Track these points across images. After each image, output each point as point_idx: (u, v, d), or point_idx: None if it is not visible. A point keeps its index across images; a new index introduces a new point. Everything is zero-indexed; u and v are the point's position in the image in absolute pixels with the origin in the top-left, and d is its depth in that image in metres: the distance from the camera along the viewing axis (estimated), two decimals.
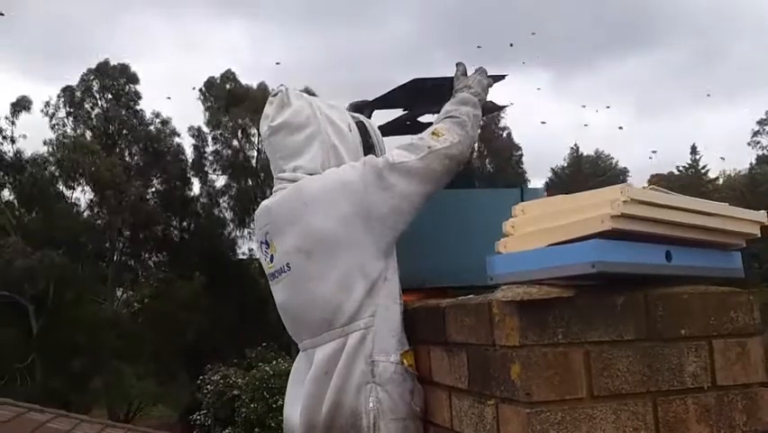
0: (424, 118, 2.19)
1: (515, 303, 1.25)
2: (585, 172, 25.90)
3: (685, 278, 1.39)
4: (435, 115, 1.85)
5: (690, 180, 28.09)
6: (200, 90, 28.22)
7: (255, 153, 29.37)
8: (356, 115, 1.93)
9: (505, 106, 2.32)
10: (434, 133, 1.73)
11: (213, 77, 28.12)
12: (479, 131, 1.89)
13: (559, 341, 1.26)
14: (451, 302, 1.55)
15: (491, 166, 25.54)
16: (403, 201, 1.67)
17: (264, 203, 1.82)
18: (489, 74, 1.89)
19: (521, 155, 25.72)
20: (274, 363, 19.55)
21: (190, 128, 28.62)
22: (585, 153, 27.07)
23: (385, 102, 2.16)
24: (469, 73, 1.88)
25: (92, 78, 26.17)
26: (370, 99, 2.18)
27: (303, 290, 1.71)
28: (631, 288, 1.33)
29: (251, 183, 30.35)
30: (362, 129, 1.85)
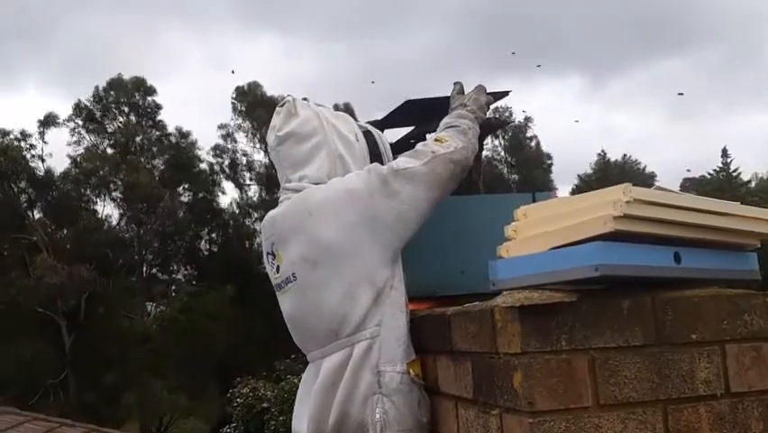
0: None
1: (516, 309, 1.21)
2: (612, 178, 25.55)
3: (697, 280, 1.34)
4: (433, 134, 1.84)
5: (721, 184, 27.63)
6: (233, 100, 28.50)
7: None
8: (363, 124, 1.93)
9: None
10: (437, 140, 1.72)
11: (241, 86, 28.37)
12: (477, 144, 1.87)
13: (562, 348, 1.21)
14: (456, 310, 1.51)
15: (520, 176, 25.38)
16: (409, 207, 1.65)
17: (270, 214, 1.81)
18: (489, 91, 1.89)
19: (551, 164, 25.61)
20: (302, 375, 19.55)
21: (222, 133, 28.85)
22: (613, 159, 26.79)
23: (383, 125, 2.17)
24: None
25: (110, 91, 26.56)
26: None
27: (309, 300, 1.69)
28: (638, 291, 1.28)
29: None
30: (370, 138, 1.84)
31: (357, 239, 1.64)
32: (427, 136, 1.87)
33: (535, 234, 1.31)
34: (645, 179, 26.71)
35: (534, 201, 1.97)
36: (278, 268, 1.76)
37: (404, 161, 1.69)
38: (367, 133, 1.85)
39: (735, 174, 28.78)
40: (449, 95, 1.99)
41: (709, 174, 29.57)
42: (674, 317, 1.27)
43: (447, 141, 1.70)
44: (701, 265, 1.34)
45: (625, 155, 27.75)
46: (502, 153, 25.46)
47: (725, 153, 29.56)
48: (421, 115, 2.11)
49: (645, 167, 28.01)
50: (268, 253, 1.80)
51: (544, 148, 25.65)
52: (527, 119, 25.74)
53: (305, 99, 1.86)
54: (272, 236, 1.77)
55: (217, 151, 28.88)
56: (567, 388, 1.20)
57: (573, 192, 25.91)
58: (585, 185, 26.33)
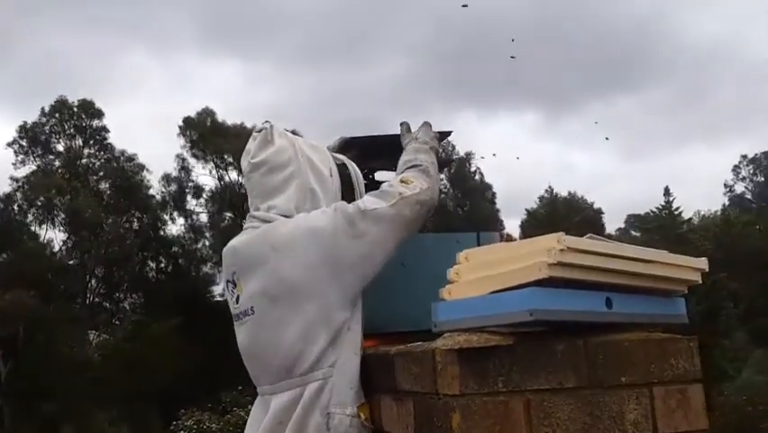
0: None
1: (454, 351, 1.25)
2: (560, 213, 26.12)
3: (628, 325, 1.41)
4: (384, 172, 1.87)
5: (664, 221, 28.41)
6: (180, 126, 28.29)
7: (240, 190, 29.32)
8: (339, 156, 1.92)
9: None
10: (402, 181, 1.73)
11: (193, 114, 28.21)
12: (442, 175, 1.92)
13: (499, 390, 1.26)
14: (399, 350, 1.54)
15: (464, 208, 25.78)
16: (375, 248, 1.66)
17: (232, 242, 1.80)
18: (434, 129, 1.94)
19: (494, 195, 26.06)
20: (250, 407, 19.17)
21: (175, 161, 28.56)
22: (561, 194, 27.38)
23: None
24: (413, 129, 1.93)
25: (55, 114, 26.12)
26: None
27: (265, 336, 1.69)
28: (571, 335, 1.33)
29: (235, 218, 30.27)
30: (345, 173, 1.85)
31: (318, 279, 1.64)
32: (386, 176, 1.89)
33: (476, 278, 1.35)
34: (592, 215, 27.34)
35: (478, 241, 2.03)
36: (237, 298, 1.75)
37: (371, 201, 1.69)
38: (342, 167, 1.87)
39: (676, 212, 29.61)
40: (391, 133, 2.04)
41: (652, 211, 30.37)
42: (605, 360, 1.33)
43: (413, 182, 1.72)
44: (632, 310, 1.40)
45: (570, 191, 28.46)
46: (447, 186, 25.87)
47: (667, 192, 30.45)
48: (362, 154, 2.13)
49: (594, 203, 28.74)
50: (228, 282, 1.79)
51: (490, 181, 26.23)
52: (469, 154, 26.25)
53: (293, 131, 1.87)
54: (233, 265, 1.76)
55: (168, 177, 28.55)
56: (503, 429, 1.24)
57: (522, 226, 26.42)
58: (533, 219, 26.85)
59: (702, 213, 32.91)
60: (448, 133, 2.22)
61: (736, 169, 36.22)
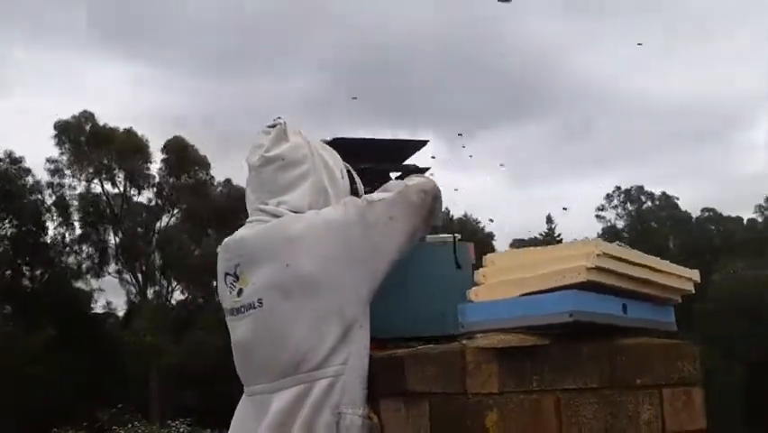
0: None
1: (494, 350, 1.28)
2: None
3: (635, 330, 1.49)
4: None
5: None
6: (56, 129, 26.91)
7: (120, 201, 28.16)
8: (344, 163, 1.93)
9: (427, 168, 2.41)
10: (402, 179, 1.79)
11: (71, 116, 26.90)
12: None
13: (533, 388, 1.30)
14: (410, 352, 1.56)
15: None
16: (386, 238, 1.67)
17: (238, 233, 1.75)
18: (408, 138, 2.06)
19: None
20: (129, 426, 18.32)
21: (48, 169, 27.09)
22: (456, 216, 28.13)
23: None
24: None
25: None
26: None
27: (273, 330, 1.64)
28: (591, 338, 1.40)
29: (111, 231, 29.00)
30: (350, 177, 1.85)
31: (332, 273, 1.63)
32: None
33: (504, 281, 1.39)
34: (484, 238, 28.22)
35: (455, 249, 2.09)
36: (239, 291, 1.70)
37: (377, 194, 1.72)
38: (348, 172, 1.87)
39: (558, 238, 31.20)
40: (380, 138, 2.10)
41: (536, 237, 31.86)
42: (624, 362, 1.40)
43: (414, 180, 1.77)
44: (640, 316, 1.48)
45: (465, 213, 29.28)
46: None
47: (549, 219, 32.09)
48: (349, 154, 2.15)
49: (485, 227, 29.72)
50: (227, 274, 1.74)
51: None
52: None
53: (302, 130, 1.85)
54: (238, 257, 1.71)
55: (45, 182, 27.06)
56: (537, 427, 1.28)
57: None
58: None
59: (578, 240, 34.69)
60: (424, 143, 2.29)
61: (608, 198, 38.57)
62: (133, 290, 29.34)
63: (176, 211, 29.06)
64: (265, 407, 1.63)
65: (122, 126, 28.77)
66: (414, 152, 2.42)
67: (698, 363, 1.49)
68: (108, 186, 28.99)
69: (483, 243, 27.67)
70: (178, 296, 30.90)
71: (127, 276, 29.09)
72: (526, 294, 1.34)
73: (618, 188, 38.51)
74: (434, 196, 1.76)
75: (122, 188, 29.00)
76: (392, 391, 1.59)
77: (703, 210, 36.16)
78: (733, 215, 36.67)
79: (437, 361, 1.43)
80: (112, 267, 29.32)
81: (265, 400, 1.64)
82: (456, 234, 2.21)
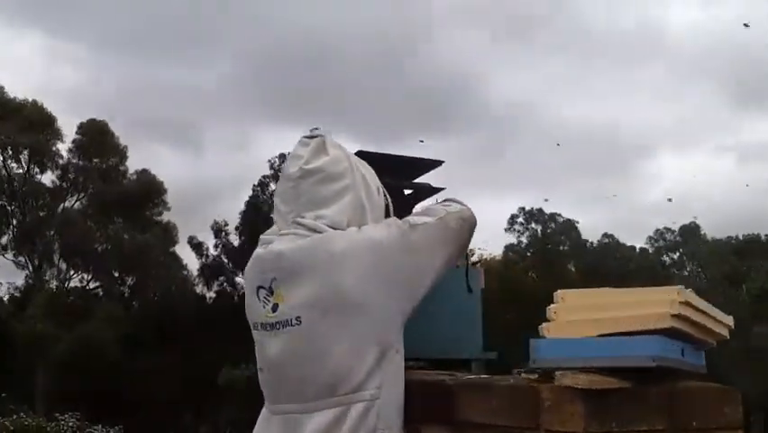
0: None
1: (581, 390, 1.29)
2: None
3: (685, 373, 1.54)
4: None
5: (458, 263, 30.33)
6: None
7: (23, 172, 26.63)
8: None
9: (441, 189, 2.43)
10: (441, 205, 1.79)
11: None
12: None
13: (612, 429, 1.32)
14: (465, 381, 1.56)
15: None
16: (426, 263, 1.67)
17: (273, 246, 1.69)
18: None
19: None
20: (15, 417, 17.40)
21: None
22: None
23: None
24: None
25: None
26: None
27: (311, 349, 1.60)
28: (654, 381, 1.43)
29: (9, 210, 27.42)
30: (384, 195, 1.83)
31: (373, 293, 1.60)
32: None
33: (580, 320, 1.41)
34: None
35: (467, 273, 2.12)
36: (274, 307, 1.64)
37: (418, 217, 1.72)
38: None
39: (471, 254, 31.82)
40: (401, 155, 2.16)
41: None
42: (683, 405, 1.44)
43: (450, 204, 1.78)
44: (690, 360, 1.54)
45: None
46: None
47: None
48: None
49: None
50: (261, 288, 1.68)
51: None
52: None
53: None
54: (274, 271, 1.66)
55: None
56: None
57: None
58: None
59: (484, 257, 35.73)
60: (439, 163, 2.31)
61: (513, 218, 39.83)
62: (29, 275, 27.80)
63: (82, 195, 27.77)
64: (297, 428, 1.60)
65: (30, 98, 27.34)
66: (428, 171, 2.43)
67: (740, 407, 1.55)
68: (12, 163, 27.41)
69: None
70: (76, 283, 29.55)
71: (22, 258, 27.56)
72: (605, 335, 1.36)
73: (523, 208, 39.83)
74: (472, 224, 1.78)
75: (25, 166, 27.45)
76: (436, 420, 1.58)
77: (603, 236, 37.84)
78: (629, 243, 38.61)
79: (504, 394, 1.43)
80: (8, 249, 27.71)
81: (297, 420, 1.60)
82: (469, 258, 2.24)
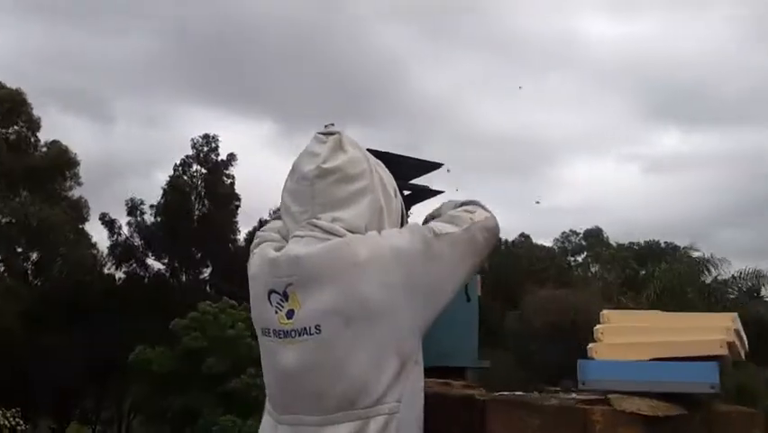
0: None
1: (640, 415, 1.28)
2: None
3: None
4: None
5: None
6: None
7: None
8: None
9: (440, 192, 2.39)
10: (466, 210, 1.71)
11: None
12: None
13: None
14: (497, 398, 1.52)
15: (207, 209, 25.03)
16: (448, 274, 1.60)
17: (289, 250, 1.59)
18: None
19: (238, 205, 25.70)
20: None
21: None
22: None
23: None
24: None
25: None
26: None
27: (330, 359, 1.52)
28: (693, 404, 1.44)
29: None
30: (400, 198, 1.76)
31: (395, 302, 1.53)
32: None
33: (630, 343, 1.40)
34: None
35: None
36: (289, 313, 1.55)
37: (443, 225, 1.64)
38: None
39: None
40: (405, 155, 2.14)
41: None
42: (718, 428, 1.46)
43: (476, 211, 1.70)
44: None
45: None
46: (200, 186, 25.04)
47: None
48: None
49: None
50: (274, 292, 1.58)
51: (237, 189, 25.76)
52: (231, 156, 25.62)
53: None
54: (290, 276, 1.56)
55: None
56: None
57: (255, 232, 26.21)
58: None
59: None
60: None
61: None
62: None
63: None
64: None
65: None
66: (428, 173, 2.39)
67: (763, 428, 1.59)
68: None
69: None
70: None
71: None
72: (659, 359, 1.36)
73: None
74: (496, 235, 1.73)
75: None
76: None
77: (519, 235, 38.87)
78: (539, 243, 39.83)
79: (550, 413, 1.41)
80: None
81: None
82: None
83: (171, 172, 25.53)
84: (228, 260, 23.69)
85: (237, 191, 25.56)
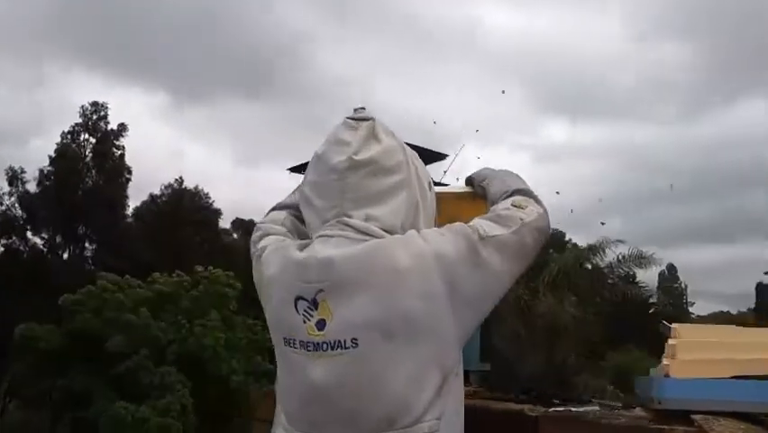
0: None
1: None
2: (186, 208, 25.53)
3: None
4: None
5: None
6: None
7: None
8: None
9: (447, 184, 2.26)
10: (515, 206, 1.54)
11: None
12: None
13: None
14: (552, 415, 1.40)
15: (94, 181, 23.63)
16: (494, 281, 1.45)
17: (322, 250, 1.40)
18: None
19: (129, 178, 24.44)
20: None
21: None
22: (188, 187, 26.76)
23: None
24: None
25: None
26: None
27: (368, 376, 1.36)
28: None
29: None
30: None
31: (438, 314, 1.38)
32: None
33: (709, 360, 1.31)
34: (212, 214, 27.40)
35: None
36: (320, 323, 1.37)
37: (490, 226, 1.47)
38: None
39: None
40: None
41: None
42: None
43: (527, 206, 1.54)
44: None
45: (197, 186, 28.04)
46: (89, 156, 23.54)
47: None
48: None
49: (213, 202, 28.77)
50: (301, 299, 1.40)
51: (128, 161, 24.44)
52: (122, 126, 24.24)
53: None
54: (321, 281, 1.38)
55: None
56: None
57: (140, 209, 25.01)
58: (155, 206, 25.80)
59: None
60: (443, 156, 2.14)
61: None
62: None
63: None
64: None
65: None
66: (433, 162, 2.27)
67: None
68: None
69: (209, 220, 26.87)
70: None
71: None
72: (741, 377, 1.27)
73: None
74: (547, 236, 1.58)
75: None
76: None
77: None
78: None
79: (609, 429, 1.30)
80: None
81: None
82: None
83: (57, 140, 23.98)
84: (118, 235, 22.58)
85: (128, 163, 24.40)
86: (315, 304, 1.39)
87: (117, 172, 23.90)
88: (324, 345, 1.37)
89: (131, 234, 23.57)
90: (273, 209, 1.79)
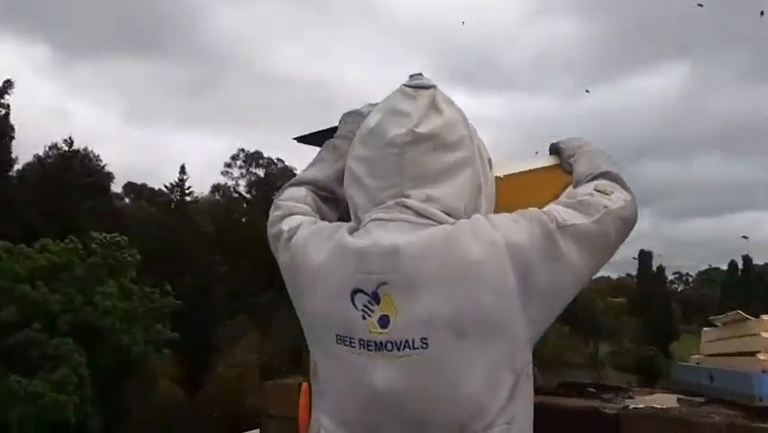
0: None
1: None
2: (76, 171, 24.02)
3: None
4: None
5: (175, 198, 29.18)
6: None
7: None
8: None
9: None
10: (599, 191, 1.39)
11: None
12: None
13: None
14: (634, 412, 1.32)
15: None
16: (572, 276, 1.29)
17: (382, 238, 1.25)
18: None
19: (12, 137, 22.59)
20: None
21: None
22: (78, 148, 25.14)
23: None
24: None
25: None
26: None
27: (441, 380, 1.22)
28: None
29: None
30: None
31: (510, 310, 1.24)
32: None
33: None
34: (104, 177, 26.05)
35: None
36: (383, 320, 1.22)
37: (569, 213, 1.31)
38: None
39: (187, 191, 30.51)
40: None
41: (165, 187, 30.65)
42: None
43: (613, 192, 1.39)
44: None
45: (87, 148, 26.37)
46: None
47: (183, 170, 31.03)
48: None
49: (106, 165, 27.26)
50: (360, 292, 1.24)
51: (13, 120, 22.61)
52: (7, 83, 22.39)
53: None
54: (385, 273, 1.23)
55: None
56: None
57: (22, 172, 23.32)
58: (44, 170, 24.17)
59: (204, 195, 34.77)
60: None
61: (233, 158, 39.27)
62: None
63: None
64: None
65: None
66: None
67: None
68: None
69: (101, 185, 25.50)
70: None
71: None
72: None
73: (243, 149, 39.35)
74: (632, 226, 1.42)
75: None
76: None
77: None
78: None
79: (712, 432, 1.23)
80: None
81: None
82: None
83: None
84: (4, 199, 21.08)
85: (12, 122, 22.71)
86: (376, 298, 1.23)
87: (1, 132, 22.18)
88: (389, 345, 1.22)
89: (17, 198, 22.05)
90: (291, 185, 1.60)
